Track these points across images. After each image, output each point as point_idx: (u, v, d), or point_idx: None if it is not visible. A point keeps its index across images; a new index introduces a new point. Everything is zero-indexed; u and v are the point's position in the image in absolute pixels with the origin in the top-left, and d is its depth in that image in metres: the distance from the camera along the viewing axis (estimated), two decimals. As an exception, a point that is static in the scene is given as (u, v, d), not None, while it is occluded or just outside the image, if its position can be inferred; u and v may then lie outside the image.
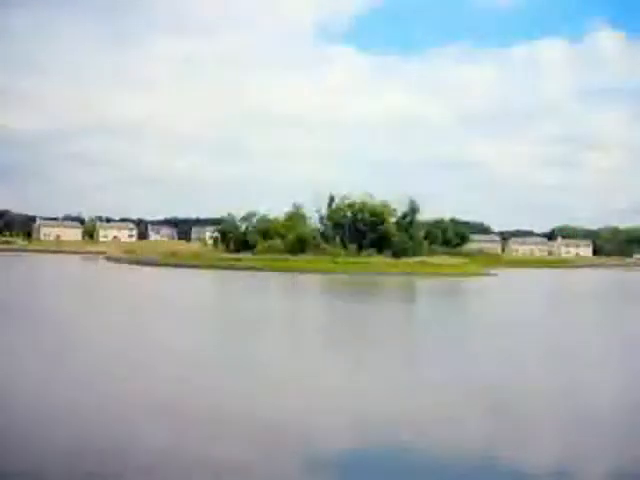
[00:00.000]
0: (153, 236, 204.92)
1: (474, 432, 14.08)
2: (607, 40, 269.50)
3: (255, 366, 20.52)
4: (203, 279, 70.59)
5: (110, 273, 79.86)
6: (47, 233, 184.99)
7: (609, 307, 49.41)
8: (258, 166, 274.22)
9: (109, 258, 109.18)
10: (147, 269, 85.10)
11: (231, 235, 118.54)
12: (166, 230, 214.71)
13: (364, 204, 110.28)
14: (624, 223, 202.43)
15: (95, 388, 16.76)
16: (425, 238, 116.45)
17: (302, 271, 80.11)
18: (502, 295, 59.11)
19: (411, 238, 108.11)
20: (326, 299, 51.81)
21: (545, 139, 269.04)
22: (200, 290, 56.52)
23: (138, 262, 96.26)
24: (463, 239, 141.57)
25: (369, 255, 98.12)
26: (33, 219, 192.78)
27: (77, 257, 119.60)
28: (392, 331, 31.30)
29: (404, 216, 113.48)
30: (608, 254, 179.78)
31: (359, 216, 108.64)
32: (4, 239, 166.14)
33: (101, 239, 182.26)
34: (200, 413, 14.90)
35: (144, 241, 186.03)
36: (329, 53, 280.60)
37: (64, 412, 14.60)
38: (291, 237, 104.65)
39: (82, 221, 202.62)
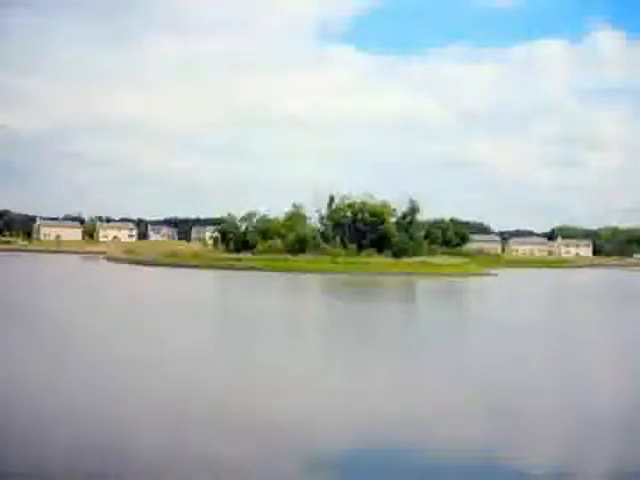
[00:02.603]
0: (153, 236, 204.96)
1: (473, 432, 14.09)
2: (607, 40, 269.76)
3: (254, 365, 20.53)
4: (203, 279, 70.57)
5: (110, 273, 79.86)
6: (47, 233, 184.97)
7: (609, 307, 49.42)
8: (258, 166, 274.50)
9: (109, 258, 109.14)
10: (147, 269, 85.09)
11: (231, 235, 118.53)
12: (166, 230, 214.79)
13: (364, 204, 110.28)
14: (624, 223, 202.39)
15: (95, 386, 16.77)
16: (425, 238, 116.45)
17: (302, 271, 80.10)
18: (502, 295, 59.12)
19: (411, 238, 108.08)
20: (326, 299, 51.82)
21: (545, 139, 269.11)
22: (200, 290, 56.48)
23: (138, 262, 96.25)
24: (463, 239, 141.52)
25: (369, 255, 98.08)
26: (33, 219, 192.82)
27: (77, 257, 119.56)
28: (392, 331, 31.30)
29: (404, 216, 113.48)
30: (608, 254, 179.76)
31: (359, 216, 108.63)
32: (4, 239, 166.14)
33: (101, 239, 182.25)
34: (200, 412, 14.90)
35: (144, 241, 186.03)
36: (329, 53, 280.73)
37: (64, 411, 14.60)
38: (291, 237, 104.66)
39: (82, 221, 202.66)
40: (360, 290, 61.04)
